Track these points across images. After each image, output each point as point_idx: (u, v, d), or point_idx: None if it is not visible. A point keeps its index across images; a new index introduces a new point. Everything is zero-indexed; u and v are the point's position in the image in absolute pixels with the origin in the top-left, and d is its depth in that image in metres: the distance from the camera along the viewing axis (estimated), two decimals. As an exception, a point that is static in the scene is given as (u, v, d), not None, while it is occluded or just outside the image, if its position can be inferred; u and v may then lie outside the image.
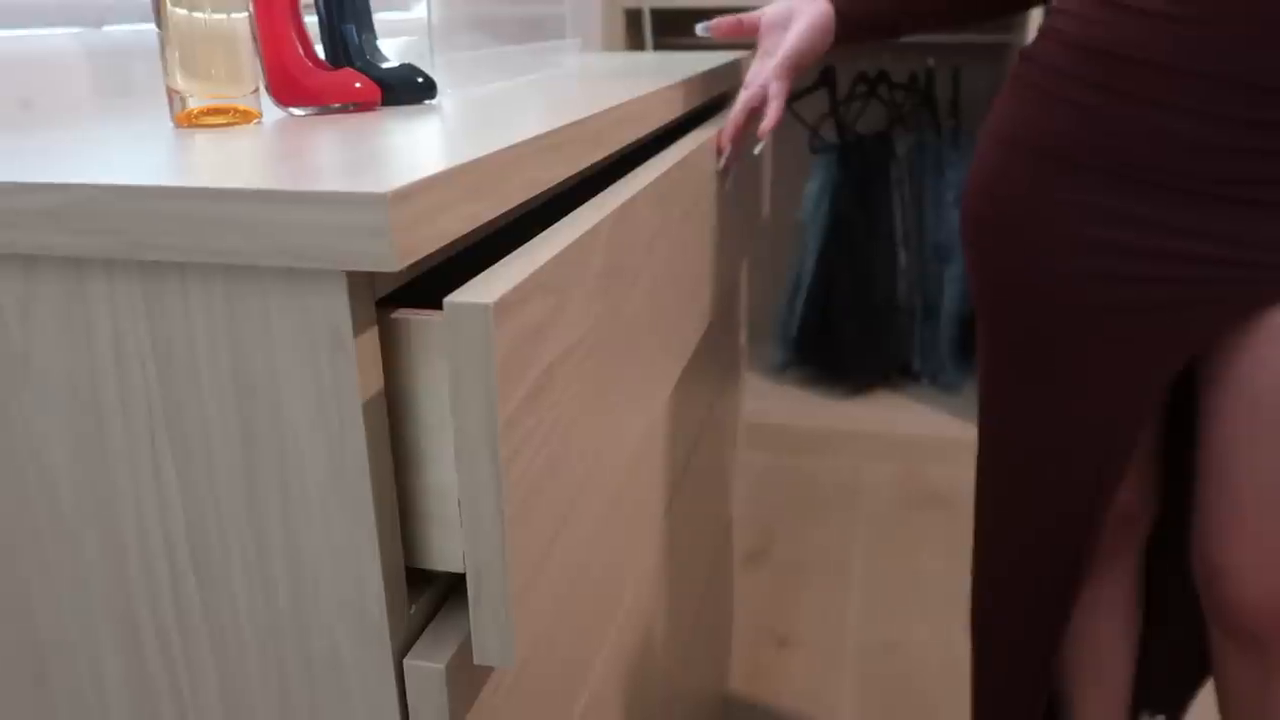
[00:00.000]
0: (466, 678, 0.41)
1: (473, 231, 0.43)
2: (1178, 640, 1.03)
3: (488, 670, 0.44)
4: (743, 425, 2.03)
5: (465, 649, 0.41)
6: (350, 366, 0.35)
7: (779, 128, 0.79)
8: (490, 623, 0.37)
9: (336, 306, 0.34)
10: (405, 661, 0.39)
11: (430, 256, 0.40)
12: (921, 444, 2.13)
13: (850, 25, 0.82)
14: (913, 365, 2.35)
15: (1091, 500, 0.88)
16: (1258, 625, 0.83)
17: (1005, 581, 0.98)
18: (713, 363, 0.98)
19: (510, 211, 0.46)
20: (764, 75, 0.80)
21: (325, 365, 0.35)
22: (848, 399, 2.29)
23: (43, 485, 0.40)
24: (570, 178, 0.54)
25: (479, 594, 0.37)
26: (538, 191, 0.46)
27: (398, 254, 0.33)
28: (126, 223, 0.35)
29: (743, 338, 1.22)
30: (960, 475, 2.07)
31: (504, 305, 0.34)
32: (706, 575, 1.05)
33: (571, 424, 0.43)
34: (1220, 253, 0.76)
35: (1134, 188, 0.77)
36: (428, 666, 0.39)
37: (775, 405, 2.26)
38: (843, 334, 2.27)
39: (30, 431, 0.39)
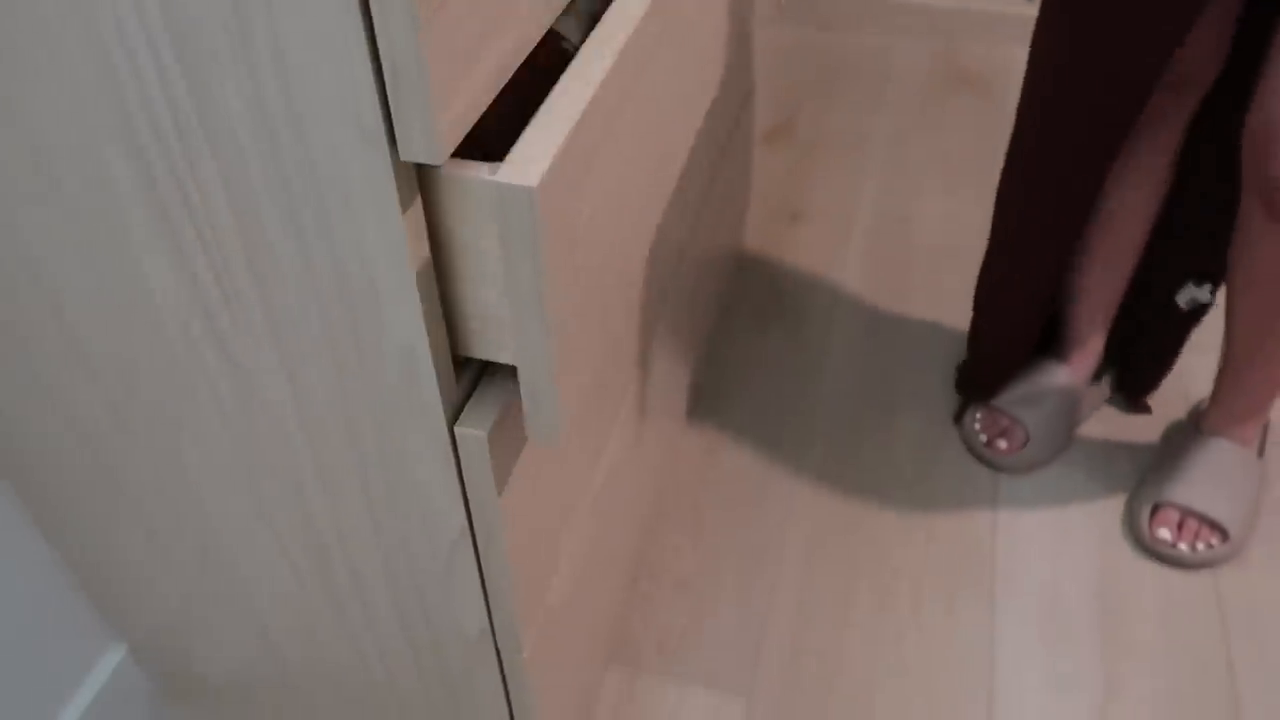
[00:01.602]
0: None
1: None
2: (1224, 214, 1.03)
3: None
4: (773, -5, 1.90)
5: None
6: None
7: None
8: (412, 117, 0.38)
9: None
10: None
11: None
12: (963, 19, 2.00)
13: None
14: (965, -69, 2.13)
15: (1154, 57, 0.83)
16: None
17: (1045, 147, 0.95)
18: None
19: None
20: None
21: None
22: (889, -31, 2.11)
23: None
24: None
25: (397, 88, 0.37)
26: None
27: None
28: None
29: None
30: (1000, 55, 1.97)
31: None
32: (723, 143, 1.04)
33: None
34: None
35: None
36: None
37: (810, -26, 2.09)
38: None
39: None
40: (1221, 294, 1.30)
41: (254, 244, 0.44)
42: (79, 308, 0.51)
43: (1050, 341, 1.21)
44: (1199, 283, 1.08)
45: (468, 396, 0.50)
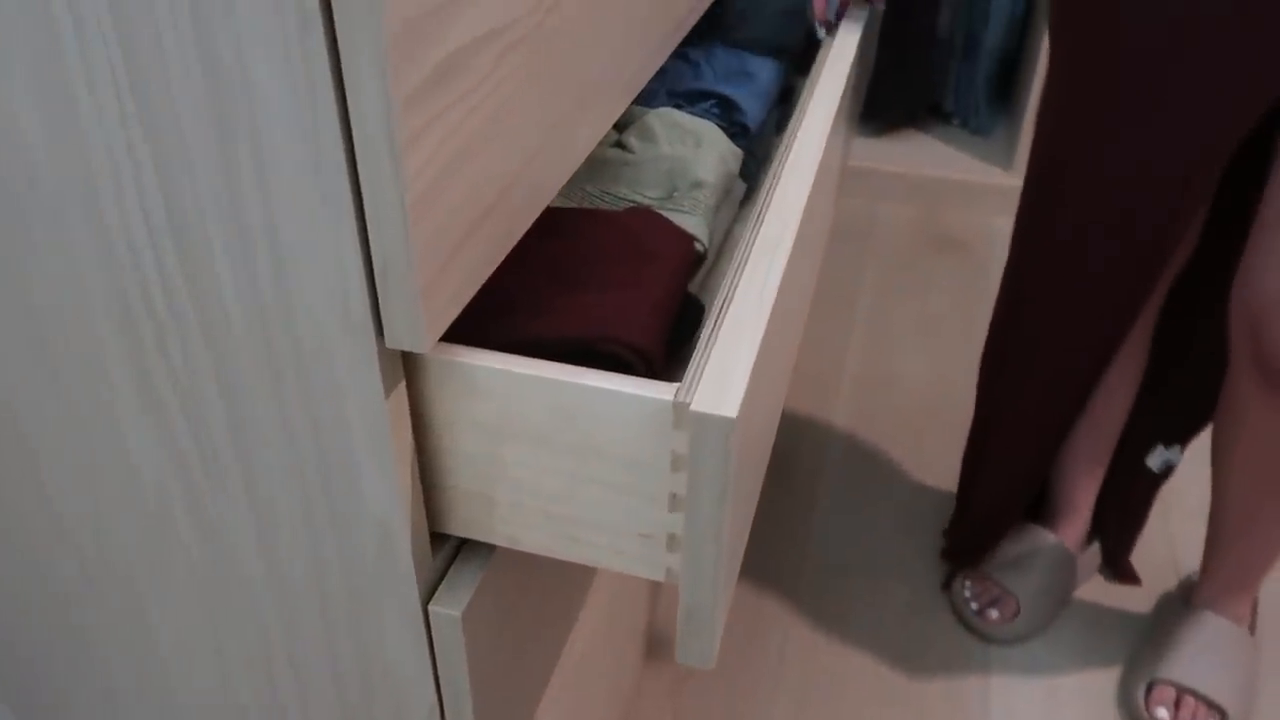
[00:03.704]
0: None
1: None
2: (1195, 379, 1.04)
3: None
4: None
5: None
6: (319, 43, 0.33)
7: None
8: (399, 308, 0.38)
9: (299, -30, 0.32)
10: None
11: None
12: (943, 187, 2.09)
13: None
14: (945, 105, 2.25)
15: (1164, 237, 0.84)
16: None
17: (1040, 347, 0.96)
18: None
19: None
20: None
21: (294, 35, 0.33)
22: (871, 138, 2.22)
23: (21, 162, 0.40)
24: None
25: (385, 280, 0.37)
26: None
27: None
28: None
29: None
30: (980, 221, 2.04)
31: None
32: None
33: (497, 116, 0.42)
34: None
35: None
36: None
37: (797, 141, 2.19)
38: (874, 68, 2.16)
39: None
40: (1197, 466, 1.30)
41: (238, 419, 0.45)
42: (57, 471, 0.51)
43: (1039, 505, 1.20)
44: (1168, 445, 1.09)
45: (442, 575, 0.50)
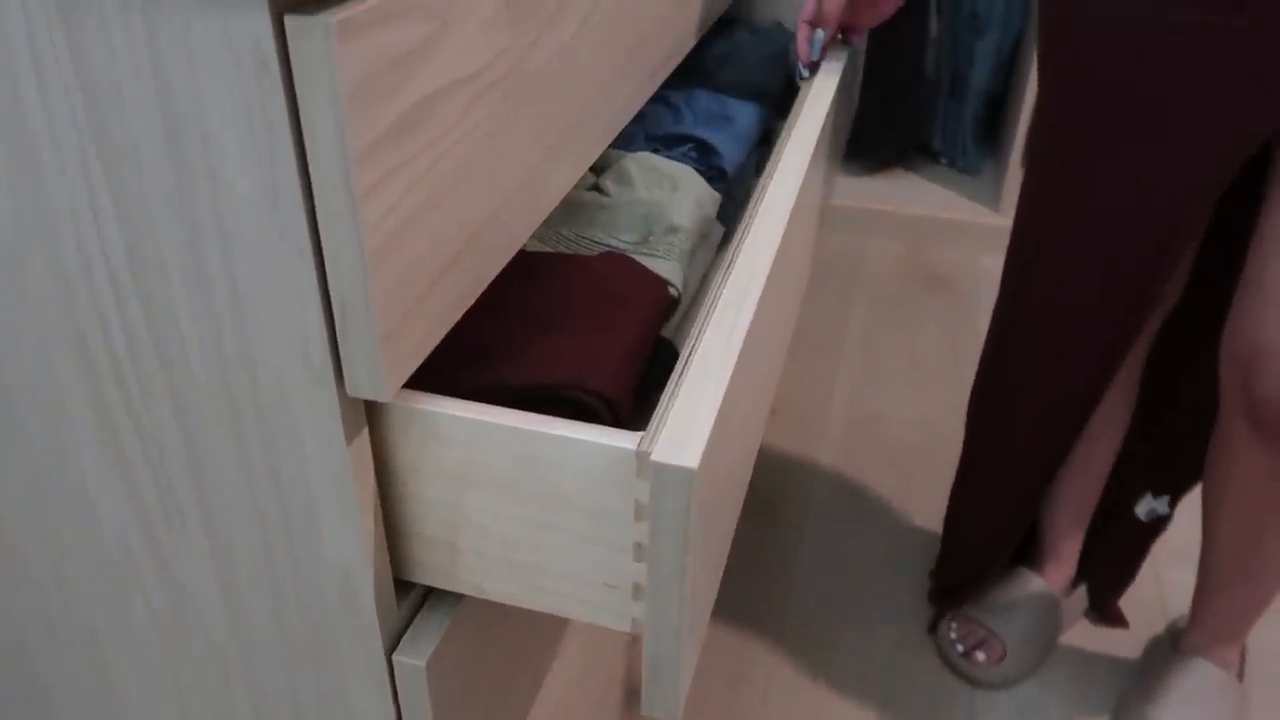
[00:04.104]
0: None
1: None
2: (1185, 426, 1.03)
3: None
4: (751, 198, 1.98)
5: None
6: (276, 86, 0.33)
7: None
8: (360, 355, 0.38)
9: (257, 25, 0.32)
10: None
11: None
12: (931, 226, 2.10)
13: None
14: (933, 144, 2.27)
15: (1151, 274, 0.83)
16: None
17: (1029, 386, 0.95)
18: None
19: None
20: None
21: (253, 86, 0.33)
22: (860, 177, 2.24)
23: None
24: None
25: (345, 328, 0.37)
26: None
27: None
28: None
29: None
30: (968, 260, 2.05)
31: (351, 25, 0.32)
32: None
33: (467, 163, 0.42)
34: None
35: None
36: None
37: (787, 180, 2.20)
38: (862, 108, 2.18)
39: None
40: (1183, 508, 1.29)
41: (199, 465, 0.44)
42: (19, 519, 0.50)
43: (1025, 548, 1.19)
44: (1157, 494, 1.08)
45: (407, 623, 0.49)
